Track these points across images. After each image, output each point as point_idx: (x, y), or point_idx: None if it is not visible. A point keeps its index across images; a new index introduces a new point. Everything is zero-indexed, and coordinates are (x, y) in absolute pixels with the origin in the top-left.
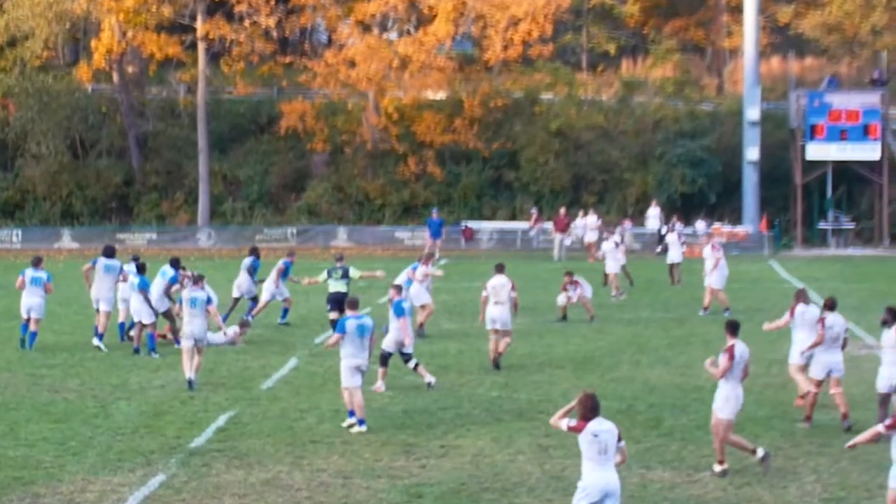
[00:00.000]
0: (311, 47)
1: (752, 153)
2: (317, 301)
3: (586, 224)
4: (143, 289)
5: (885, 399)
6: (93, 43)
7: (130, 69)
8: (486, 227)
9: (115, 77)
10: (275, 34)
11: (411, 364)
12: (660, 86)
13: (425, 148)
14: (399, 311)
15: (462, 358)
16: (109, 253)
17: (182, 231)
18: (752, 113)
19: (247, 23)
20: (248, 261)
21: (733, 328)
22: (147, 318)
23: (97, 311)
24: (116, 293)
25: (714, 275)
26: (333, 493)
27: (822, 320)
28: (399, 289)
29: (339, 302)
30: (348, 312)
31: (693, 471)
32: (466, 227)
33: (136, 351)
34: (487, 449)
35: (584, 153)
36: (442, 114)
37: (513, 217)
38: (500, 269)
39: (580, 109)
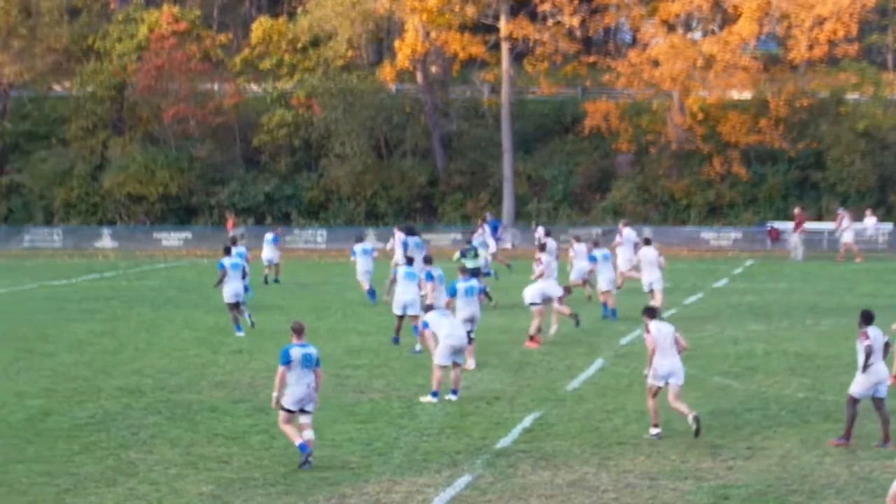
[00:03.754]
0: (615, 47)
1: None
2: (628, 299)
3: (866, 226)
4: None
5: None
6: (396, 43)
7: (434, 69)
8: (791, 228)
9: (419, 77)
10: (578, 34)
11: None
12: None
13: (730, 148)
14: (470, 292)
15: (769, 359)
16: (410, 262)
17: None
18: None
19: (550, 22)
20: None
21: (650, 313)
22: (414, 311)
23: (402, 316)
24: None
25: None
26: (640, 494)
27: None
28: (464, 269)
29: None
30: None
31: None
32: (772, 227)
33: (396, 341)
34: (794, 450)
35: (891, 154)
36: (747, 114)
37: (818, 218)
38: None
39: (887, 109)
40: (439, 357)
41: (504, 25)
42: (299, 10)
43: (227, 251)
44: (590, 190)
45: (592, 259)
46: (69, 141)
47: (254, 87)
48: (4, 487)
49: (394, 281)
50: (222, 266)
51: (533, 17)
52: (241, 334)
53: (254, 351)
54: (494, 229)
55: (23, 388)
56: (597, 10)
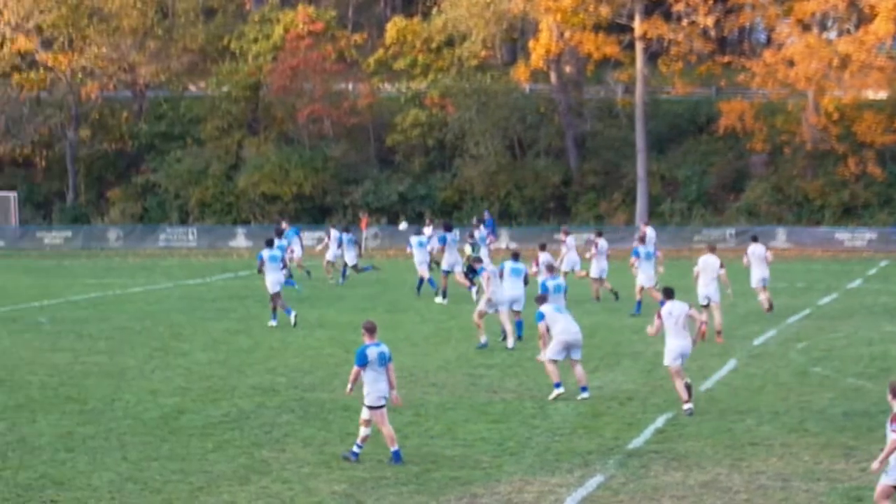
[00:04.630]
0: (749, 46)
1: None
2: (748, 301)
3: None
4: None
5: None
6: (530, 43)
7: (568, 69)
8: None
9: (553, 77)
10: (713, 33)
11: None
12: None
13: (865, 148)
14: (558, 289)
15: None
16: (516, 257)
17: (619, 231)
18: None
19: (685, 22)
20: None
21: (667, 293)
22: (519, 306)
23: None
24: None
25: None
26: (772, 496)
27: None
28: (551, 268)
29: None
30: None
31: None
32: None
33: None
34: None
35: None
36: (882, 113)
37: None
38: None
39: None
40: (551, 352)
41: (638, 25)
42: (434, 10)
43: (269, 244)
44: (723, 190)
45: (636, 254)
46: (204, 141)
47: (388, 87)
48: (139, 485)
49: (489, 279)
50: (261, 257)
51: (667, 16)
52: (274, 323)
53: None
54: (490, 227)
55: (157, 386)
56: (731, 10)
